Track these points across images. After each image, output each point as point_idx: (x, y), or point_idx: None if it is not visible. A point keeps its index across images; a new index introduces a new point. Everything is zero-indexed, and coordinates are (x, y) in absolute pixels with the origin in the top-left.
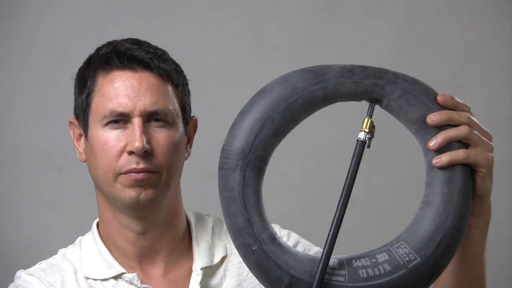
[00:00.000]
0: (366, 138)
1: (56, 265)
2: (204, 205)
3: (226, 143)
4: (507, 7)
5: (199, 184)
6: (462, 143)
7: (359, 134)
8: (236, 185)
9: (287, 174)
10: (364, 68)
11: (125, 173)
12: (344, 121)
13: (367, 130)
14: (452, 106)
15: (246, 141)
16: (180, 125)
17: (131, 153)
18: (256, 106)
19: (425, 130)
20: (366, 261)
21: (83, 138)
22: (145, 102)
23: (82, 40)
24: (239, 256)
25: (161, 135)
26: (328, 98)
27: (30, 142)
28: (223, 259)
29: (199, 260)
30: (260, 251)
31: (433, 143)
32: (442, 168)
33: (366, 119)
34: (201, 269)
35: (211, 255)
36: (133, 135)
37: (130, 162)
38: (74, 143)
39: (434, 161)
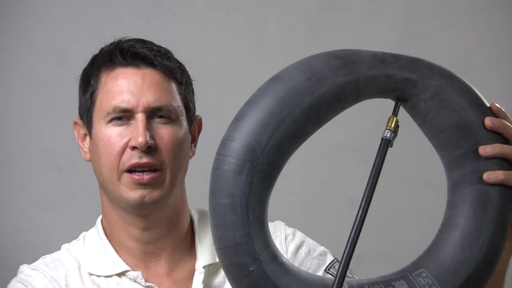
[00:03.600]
0: (391, 137)
1: (59, 260)
2: (204, 204)
3: (228, 137)
4: (507, 7)
5: (199, 184)
6: (505, 160)
7: (384, 132)
8: (238, 191)
9: (287, 175)
10: (396, 57)
11: (128, 170)
12: (345, 121)
13: (392, 129)
14: (502, 118)
15: (257, 139)
16: (184, 123)
17: (134, 148)
18: (271, 96)
19: (456, 142)
20: None
21: (87, 138)
22: (149, 98)
23: (82, 40)
24: None
25: (164, 132)
26: (358, 95)
27: (30, 142)
28: None
29: (202, 258)
30: (259, 273)
31: (488, 150)
32: (473, 188)
33: (391, 118)
34: (204, 267)
35: (214, 252)
36: (136, 131)
37: (133, 157)
38: (79, 143)
39: (486, 176)
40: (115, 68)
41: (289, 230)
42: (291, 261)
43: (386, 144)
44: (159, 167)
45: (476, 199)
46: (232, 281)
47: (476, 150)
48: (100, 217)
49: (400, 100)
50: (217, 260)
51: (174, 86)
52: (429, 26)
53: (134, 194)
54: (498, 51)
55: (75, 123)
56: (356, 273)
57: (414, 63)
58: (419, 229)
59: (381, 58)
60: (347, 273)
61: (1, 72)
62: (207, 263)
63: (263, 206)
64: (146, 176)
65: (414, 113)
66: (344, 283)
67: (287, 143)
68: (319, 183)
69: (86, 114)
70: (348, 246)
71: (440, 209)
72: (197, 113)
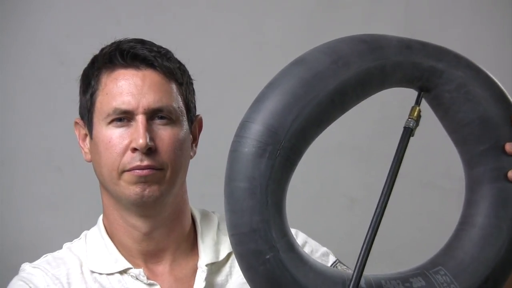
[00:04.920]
0: (413, 126)
1: (61, 258)
2: (205, 205)
3: (248, 119)
4: (507, 7)
5: (199, 184)
6: None
7: (407, 121)
8: (258, 175)
9: None
10: (423, 44)
11: (129, 170)
12: (345, 121)
13: (414, 119)
14: None
15: (280, 122)
16: (185, 123)
17: (134, 150)
18: (295, 78)
19: (478, 137)
20: (398, 284)
21: (88, 138)
22: (149, 99)
23: (82, 40)
24: None
25: (165, 133)
26: (383, 82)
27: (30, 142)
28: (229, 255)
29: (205, 257)
30: (275, 261)
31: None
32: (494, 185)
33: (414, 107)
34: (206, 265)
35: (217, 251)
36: (136, 133)
37: (134, 160)
38: (79, 143)
39: (511, 174)
40: (115, 69)
41: (292, 231)
42: None
43: (408, 133)
44: (160, 168)
45: (497, 197)
46: (246, 270)
47: (500, 147)
48: (102, 216)
49: (424, 90)
50: (220, 259)
51: (174, 86)
52: (429, 26)
53: (134, 188)
54: (498, 51)
55: (76, 123)
56: None
57: (441, 52)
58: (419, 229)
59: (408, 45)
60: (347, 269)
61: (1, 72)
62: (209, 261)
63: (283, 193)
64: (145, 170)
65: (436, 104)
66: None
67: (311, 128)
68: (319, 183)
69: (87, 114)
70: (368, 235)
71: (441, 208)
72: (197, 113)
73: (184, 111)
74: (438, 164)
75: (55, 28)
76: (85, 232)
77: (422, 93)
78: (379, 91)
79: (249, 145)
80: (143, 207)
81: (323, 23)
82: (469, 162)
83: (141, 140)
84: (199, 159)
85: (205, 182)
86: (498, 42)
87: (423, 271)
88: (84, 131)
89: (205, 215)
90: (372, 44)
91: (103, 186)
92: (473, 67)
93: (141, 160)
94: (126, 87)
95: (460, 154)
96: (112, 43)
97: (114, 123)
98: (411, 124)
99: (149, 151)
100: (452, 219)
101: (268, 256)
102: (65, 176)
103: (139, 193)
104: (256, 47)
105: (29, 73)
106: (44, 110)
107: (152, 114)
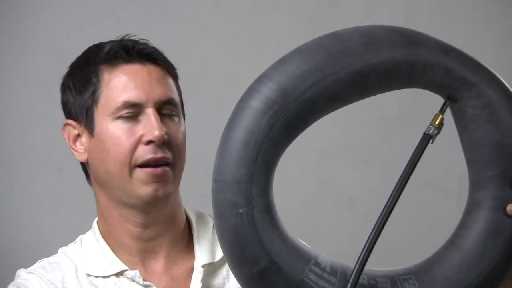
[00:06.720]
0: (433, 133)
1: (56, 263)
2: (204, 205)
3: (265, 74)
4: (507, 7)
5: (199, 184)
6: None
7: (428, 128)
8: (257, 130)
9: (288, 174)
10: (460, 54)
11: (141, 165)
12: (345, 121)
13: (435, 126)
14: None
15: (294, 85)
16: (182, 119)
17: (148, 143)
18: (323, 49)
19: (490, 162)
20: (363, 279)
21: (84, 138)
22: (157, 92)
23: (82, 40)
24: None
25: (173, 126)
26: (410, 79)
27: (30, 142)
28: None
29: (201, 257)
30: (247, 217)
31: None
32: (490, 213)
33: (437, 115)
34: (203, 266)
35: (213, 252)
36: (150, 125)
37: (149, 152)
38: (70, 145)
39: (510, 208)
40: (119, 65)
41: None
42: None
43: (427, 139)
44: (170, 162)
45: (490, 226)
46: (217, 218)
47: (507, 177)
48: (96, 219)
49: (450, 99)
50: (216, 260)
51: (172, 82)
52: (429, 26)
53: (147, 188)
54: (498, 51)
55: (66, 124)
56: None
57: (477, 66)
58: (418, 229)
59: (445, 49)
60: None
61: (1, 72)
62: (205, 262)
63: (275, 155)
64: (159, 169)
65: (459, 118)
66: (328, 259)
67: (323, 101)
68: (319, 183)
69: (85, 113)
70: (373, 233)
71: (439, 209)
72: (197, 113)
73: (180, 106)
74: (437, 165)
75: (55, 28)
76: (80, 236)
77: (448, 102)
78: (403, 87)
79: (257, 99)
80: (153, 206)
81: (323, 23)
82: (475, 184)
83: (156, 132)
84: (199, 159)
85: (205, 182)
86: (498, 42)
87: (394, 276)
88: (75, 131)
89: (200, 216)
90: (409, 38)
91: (105, 185)
92: (505, 90)
93: (155, 152)
94: (133, 81)
95: (469, 174)
96: (109, 41)
97: (122, 119)
98: (431, 131)
99: (162, 144)
100: (451, 219)
101: (241, 210)
102: (65, 176)
103: (152, 194)
104: (256, 47)
105: (29, 73)
106: (44, 110)
107: (160, 107)
